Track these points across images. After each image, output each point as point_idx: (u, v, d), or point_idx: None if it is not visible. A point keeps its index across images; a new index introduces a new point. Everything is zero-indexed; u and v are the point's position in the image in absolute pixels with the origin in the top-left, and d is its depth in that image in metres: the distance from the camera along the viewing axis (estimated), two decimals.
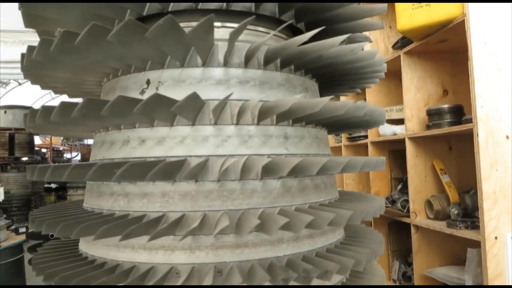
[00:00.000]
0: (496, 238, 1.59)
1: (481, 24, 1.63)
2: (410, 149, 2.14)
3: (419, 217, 2.12)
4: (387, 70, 2.27)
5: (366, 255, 0.99)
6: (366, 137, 2.66)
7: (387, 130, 2.38)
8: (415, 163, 2.14)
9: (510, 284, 1.57)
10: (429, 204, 2.07)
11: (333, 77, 1.24)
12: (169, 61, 0.89)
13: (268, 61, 0.94)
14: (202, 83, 0.91)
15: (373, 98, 2.60)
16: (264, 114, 0.89)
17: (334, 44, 0.87)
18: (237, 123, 0.88)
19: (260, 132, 0.92)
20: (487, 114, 1.62)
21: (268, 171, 0.84)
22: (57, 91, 1.07)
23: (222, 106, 0.87)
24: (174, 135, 0.89)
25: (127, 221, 0.80)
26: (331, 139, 3.31)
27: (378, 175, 2.59)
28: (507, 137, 1.63)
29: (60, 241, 1.10)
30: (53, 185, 9.59)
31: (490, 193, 1.60)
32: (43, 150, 12.01)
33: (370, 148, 2.60)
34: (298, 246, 0.93)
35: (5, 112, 8.22)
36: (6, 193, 5.84)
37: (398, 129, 2.27)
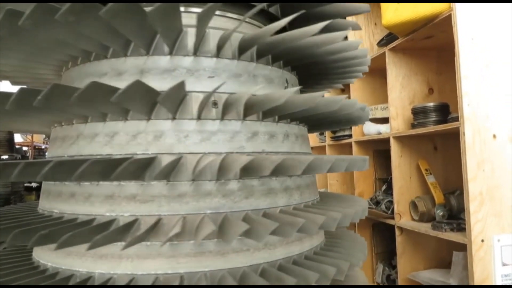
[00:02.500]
0: (482, 241, 1.54)
1: (468, 19, 1.58)
2: (394, 149, 2.09)
3: (403, 218, 2.07)
4: (372, 68, 2.21)
5: (348, 263, 0.91)
6: (350, 136, 2.61)
7: (371, 129, 2.32)
8: (400, 163, 2.09)
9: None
10: (413, 205, 2.02)
11: (313, 70, 1.16)
12: (132, 48, 0.80)
13: (242, 50, 0.86)
14: (170, 73, 0.82)
15: (358, 96, 2.55)
16: (228, 107, 0.80)
17: (310, 33, 0.79)
18: (199, 118, 0.79)
19: (224, 127, 0.82)
20: (474, 113, 1.57)
21: (248, 171, 0.76)
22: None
23: (180, 99, 0.78)
24: (128, 130, 0.79)
25: (93, 228, 0.70)
26: (315, 139, 3.25)
27: (362, 175, 2.54)
28: (494, 136, 1.58)
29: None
30: (33, 184, 9.31)
31: (476, 194, 1.55)
32: (24, 148, 11.69)
33: (354, 147, 2.54)
34: (273, 253, 0.85)
35: None
36: None
37: (383, 128, 2.22)
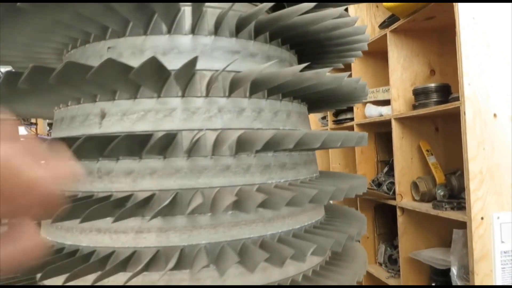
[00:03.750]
0: (482, 218, 1.56)
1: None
2: (396, 130, 2.10)
3: (405, 199, 2.09)
4: (373, 50, 2.20)
5: (346, 235, 0.93)
6: (352, 119, 2.61)
7: (373, 112, 2.33)
8: (401, 145, 2.10)
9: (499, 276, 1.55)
10: (415, 186, 2.04)
11: (312, 49, 1.17)
12: (130, 28, 0.81)
13: (240, 28, 0.87)
14: (168, 52, 0.84)
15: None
16: (234, 85, 0.82)
17: (304, 9, 0.80)
18: (207, 95, 0.81)
19: (231, 104, 0.85)
20: (475, 92, 1.57)
21: (242, 145, 0.78)
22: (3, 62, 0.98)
23: (189, 77, 0.80)
24: (137, 109, 0.81)
25: (90, 202, 0.72)
26: (317, 123, 3.26)
27: (364, 158, 2.55)
28: (495, 115, 1.59)
29: None
30: None
31: (476, 173, 1.56)
32: None
33: (356, 130, 2.55)
34: (273, 227, 0.87)
35: None
36: None
37: (384, 110, 2.22)
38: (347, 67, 2.68)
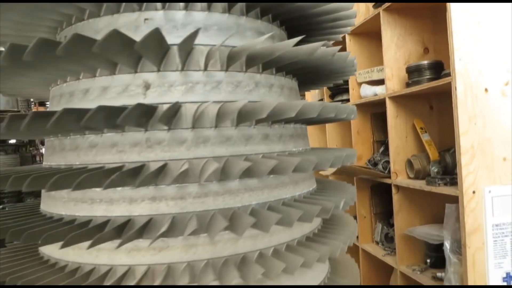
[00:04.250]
0: (474, 192, 1.58)
1: None
2: (390, 109, 2.11)
3: (399, 177, 2.11)
4: (368, 30, 2.19)
5: (334, 203, 0.96)
6: (348, 100, 2.62)
7: (368, 91, 2.34)
8: (396, 124, 2.12)
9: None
10: (409, 163, 2.06)
11: (302, 25, 1.18)
12: (124, 5, 0.84)
13: (232, 4, 0.89)
14: (163, 28, 0.85)
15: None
16: (231, 59, 0.85)
17: None
18: (205, 69, 0.84)
19: (229, 79, 0.88)
20: (466, 68, 1.58)
21: (244, 116, 0.81)
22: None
23: (189, 51, 0.82)
24: (138, 82, 0.83)
25: (104, 172, 0.74)
26: None
27: (360, 139, 2.57)
28: (486, 90, 1.60)
29: None
30: None
31: (468, 148, 1.58)
32: None
33: None
34: (263, 196, 0.90)
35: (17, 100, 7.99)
36: None
37: (379, 90, 2.23)
38: (342, 48, 2.68)
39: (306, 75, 1.21)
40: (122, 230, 0.76)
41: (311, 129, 3.48)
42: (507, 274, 1.60)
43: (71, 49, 0.70)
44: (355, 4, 2.56)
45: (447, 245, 1.71)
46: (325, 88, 2.98)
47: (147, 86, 0.86)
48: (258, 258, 0.86)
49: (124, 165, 0.76)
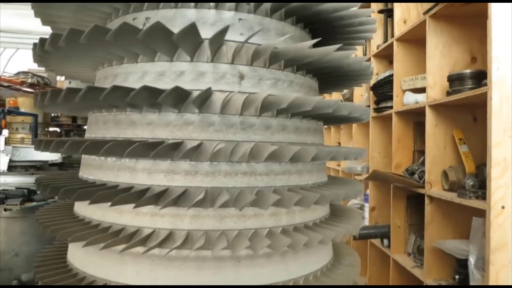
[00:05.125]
0: (503, 207, 1.52)
1: None
2: (430, 118, 2.06)
3: (434, 188, 2.05)
4: (417, 38, 2.19)
5: (336, 194, 1.02)
6: (391, 107, 2.59)
7: (410, 99, 2.30)
8: (435, 133, 2.06)
9: None
10: (445, 175, 2.00)
11: (322, 28, 1.26)
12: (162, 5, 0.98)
13: (258, 5, 1.01)
14: (198, 23, 0.98)
15: (401, 67, 2.51)
16: (255, 55, 0.97)
17: None
18: (232, 63, 0.96)
19: (252, 73, 1.00)
20: (504, 77, 1.53)
21: (266, 106, 0.92)
22: (56, 27, 1.16)
23: (219, 45, 0.95)
24: (174, 69, 0.97)
25: (150, 145, 0.88)
26: None
27: (401, 147, 2.52)
28: None
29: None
30: None
31: (500, 160, 1.52)
32: None
33: (394, 119, 2.53)
34: (283, 180, 1.01)
35: (69, 82, 8.78)
36: (67, 157, 6.32)
37: (420, 97, 2.19)
38: (390, 55, 2.66)
39: (325, 76, 1.28)
40: (160, 198, 0.89)
41: (357, 137, 3.45)
42: None
43: (119, 35, 0.84)
44: (405, 10, 2.53)
45: (471, 260, 1.64)
46: (371, 94, 2.95)
47: (181, 73, 0.99)
48: (281, 232, 0.97)
49: (165, 141, 0.89)
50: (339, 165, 3.99)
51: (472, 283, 1.65)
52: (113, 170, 1.01)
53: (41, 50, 0.93)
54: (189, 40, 0.91)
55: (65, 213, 1.16)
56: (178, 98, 0.91)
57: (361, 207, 3.18)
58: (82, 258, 1.06)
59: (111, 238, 0.92)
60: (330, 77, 1.28)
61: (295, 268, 1.06)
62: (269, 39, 1.06)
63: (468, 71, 1.85)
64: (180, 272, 0.95)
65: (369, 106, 3.12)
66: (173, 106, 0.95)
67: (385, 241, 2.65)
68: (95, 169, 1.06)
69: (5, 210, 4.41)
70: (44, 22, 1.15)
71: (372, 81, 2.89)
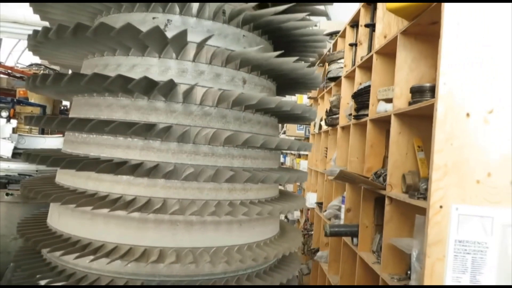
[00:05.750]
0: (441, 207, 1.69)
1: (455, 5, 1.70)
2: (394, 126, 2.25)
3: (394, 190, 2.23)
4: (393, 52, 2.38)
5: (281, 177, 1.23)
6: (367, 115, 2.77)
7: (381, 108, 2.48)
8: (398, 140, 2.25)
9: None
10: (404, 178, 2.18)
11: (283, 42, 1.47)
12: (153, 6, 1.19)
13: (216, 13, 1.23)
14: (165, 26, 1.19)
15: (378, 78, 2.70)
16: (214, 56, 1.18)
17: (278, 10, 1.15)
18: (193, 61, 1.18)
19: (211, 70, 1.21)
20: (450, 92, 1.71)
21: (221, 100, 1.14)
22: (53, 23, 1.38)
23: (183, 44, 1.16)
24: (144, 63, 1.18)
25: (127, 124, 1.09)
26: (345, 119, 3.43)
27: (373, 152, 2.70)
28: (468, 115, 1.71)
29: None
30: None
31: (441, 165, 1.70)
32: None
33: (368, 126, 2.71)
34: (240, 162, 1.22)
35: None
36: None
37: (389, 107, 2.37)
38: (367, 67, 2.85)
39: (280, 79, 1.49)
40: (136, 169, 1.09)
41: (341, 142, 3.63)
42: None
43: (97, 33, 1.04)
44: (386, 27, 2.72)
45: (414, 254, 1.82)
46: (353, 103, 3.13)
47: (150, 67, 1.20)
48: (230, 204, 1.16)
49: (140, 122, 1.10)
50: (325, 169, 4.17)
51: (413, 275, 1.82)
52: (94, 145, 1.21)
53: (34, 40, 1.14)
54: (155, 40, 1.11)
55: (49, 182, 1.36)
56: (147, 86, 1.12)
57: (339, 209, 3.36)
58: (61, 220, 1.26)
59: (94, 201, 1.12)
60: (284, 81, 1.48)
61: (249, 234, 1.26)
62: (227, 43, 1.27)
63: (427, 84, 2.03)
64: (157, 234, 1.15)
65: (350, 114, 3.30)
66: (143, 93, 1.16)
67: (355, 240, 2.82)
68: (78, 144, 1.26)
69: (7, 194, 4.64)
70: (43, 19, 1.37)
71: (353, 90, 3.08)
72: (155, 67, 1.18)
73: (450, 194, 1.70)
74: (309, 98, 5.46)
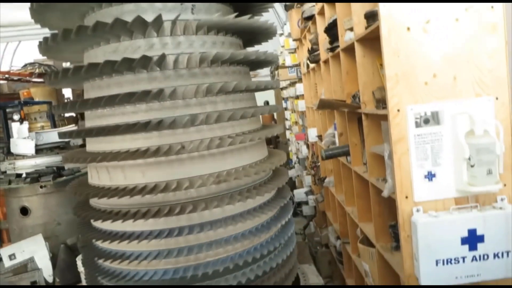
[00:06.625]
0: (398, 110, 2.04)
1: None
2: (358, 50, 2.56)
3: (368, 107, 2.58)
4: None
5: (256, 111, 1.59)
6: (338, 46, 3.07)
7: (347, 37, 2.78)
8: (363, 62, 2.56)
9: None
10: (373, 95, 2.51)
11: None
12: None
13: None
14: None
15: (342, 10, 2.95)
16: (186, 27, 1.51)
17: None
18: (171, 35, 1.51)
19: (186, 40, 1.55)
20: (390, 12, 2.00)
21: (201, 60, 1.48)
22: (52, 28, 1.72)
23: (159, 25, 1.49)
24: (134, 46, 1.52)
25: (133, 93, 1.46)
26: (325, 53, 3.71)
27: (349, 78, 3.02)
28: (408, 29, 2.01)
29: None
30: None
31: (392, 76, 2.03)
32: None
33: (341, 55, 3.02)
34: (224, 107, 1.57)
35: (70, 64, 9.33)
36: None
37: (353, 35, 2.67)
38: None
39: (244, 36, 1.82)
40: (146, 126, 1.45)
41: (325, 75, 3.93)
42: (429, 172, 2.07)
43: (95, 29, 1.38)
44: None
45: (386, 154, 2.20)
46: (327, 37, 3.41)
47: (142, 47, 1.54)
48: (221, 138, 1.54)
49: (140, 91, 1.46)
50: None
51: (387, 170, 2.21)
52: (112, 116, 1.58)
53: (46, 45, 1.49)
54: (138, 25, 1.44)
55: (83, 151, 1.75)
56: (145, 62, 1.46)
57: (334, 135, 3.74)
58: (101, 176, 1.66)
59: (129, 156, 1.51)
60: (248, 36, 1.81)
61: (245, 157, 1.65)
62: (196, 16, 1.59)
63: (376, 9, 2.31)
64: (167, 169, 1.54)
65: (328, 48, 3.59)
66: (143, 68, 1.51)
67: (349, 158, 3.21)
68: (99, 117, 1.64)
69: (41, 187, 5.15)
70: (43, 26, 1.70)
71: (325, 25, 3.35)
72: (143, 47, 1.52)
73: (404, 99, 2.04)
74: (294, 40, 5.69)
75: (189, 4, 1.56)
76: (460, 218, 1.98)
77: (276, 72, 8.10)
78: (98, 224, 1.66)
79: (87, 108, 1.45)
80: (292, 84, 7.01)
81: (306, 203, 6.01)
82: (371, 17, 2.34)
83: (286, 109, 8.94)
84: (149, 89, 1.47)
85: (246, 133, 1.65)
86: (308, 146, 5.90)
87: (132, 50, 1.54)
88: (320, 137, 4.64)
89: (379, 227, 2.67)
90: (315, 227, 5.67)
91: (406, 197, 2.06)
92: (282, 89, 9.00)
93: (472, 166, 1.93)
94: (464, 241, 1.97)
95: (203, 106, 1.56)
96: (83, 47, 1.67)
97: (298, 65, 6.00)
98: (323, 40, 3.89)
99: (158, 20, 1.41)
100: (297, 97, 6.63)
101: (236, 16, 1.57)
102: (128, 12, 1.52)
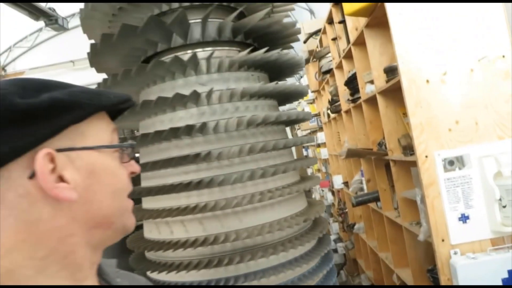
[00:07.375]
0: (426, 156, 2.16)
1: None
2: (380, 102, 2.72)
3: (395, 153, 2.70)
4: (364, 41, 2.92)
5: (295, 165, 1.73)
6: (360, 98, 3.24)
7: (368, 89, 2.95)
8: (387, 112, 2.72)
9: None
10: (399, 142, 2.64)
11: (264, 41, 2.01)
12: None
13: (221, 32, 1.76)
14: None
15: (360, 65, 3.16)
16: (220, 64, 1.71)
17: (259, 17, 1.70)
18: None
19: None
20: (409, 68, 2.18)
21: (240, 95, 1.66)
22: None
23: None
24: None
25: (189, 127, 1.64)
26: (345, 104, 3.90)
27: (373, 127, 3.16)
28: (428, 81, 2.18)
29: None
30: None
31: (417, 124, 2.16)
32: None
33: (364, 106, 3.18)
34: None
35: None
36: None
37: (373, 87, 2.85)
38: (349, 55, 3.33)
39: (271, 70, 2.00)
40: (197, 158, 1.61)
41: (348, 124, 4.09)
42: (462, 214, 2.13)
43: (151, 69, 1.58)
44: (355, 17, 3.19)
45: (418, 199, 2.28)
46: (347, 89, 3.61)
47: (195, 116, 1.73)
48: (261, 193, 1.67)
49: (195, 124, 1.63)
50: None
51: (421, 214, 2.28)
52: (161, 178, 1.75)
53: (105, 85, 1.70)
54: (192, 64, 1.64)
55: (138, 209, 1.91)
56: (196, 97, 1.65)
57: (361, 182, 3.82)
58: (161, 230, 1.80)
59: (183, 212, 1.65)
60: (275, 70, 2.02)
61: (284, 210, 1.77)
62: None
63: (394, 64, 2.50)
64: (215, 222, 1.67)
65: (348, 99, 3.78)
66: (193, 103, 1.69)
67: (379, 204, 3.28)
68: (152, 179, 1.80)
69: None
70: (98, 71, 1.94)
71: (345, 78, 3.55)
72: (195, 115, 1.70)
73: (430, 145, 2.16)
74: (312, 91, 5.94)
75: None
76: (499, 259, 2.01)
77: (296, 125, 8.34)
78: (154, 275, 1.77)
79: (146, 170, 1.62)
80: (313, 132, 7.19)
81: (335, 250, 5.96)
82: (390, 71, 2.52)
83: (306, 156, 9.10)
84: (198, 152, 1.64)
85: (286, 187, 1.78)
86: (333, 193, 5.95)
87: (177, 119, 1.72)
88: (346, 183, 4.72)
89: (416, 272, 2.68)
90: (346, 276, 5.58)
91: (443, 240, 2.11)
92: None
93: (504, 207, 2.00)
94: (505, 281, 1.99)
95: (245, 164, 1.71)
96: (138, 119, 1.87)
97: (318, 115, 6.21)
98: (343, 91, 4.09)
99: (195, 58, 1.60)
100: (318, 145, 6.78)
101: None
102: (179, 86, 1.73)
